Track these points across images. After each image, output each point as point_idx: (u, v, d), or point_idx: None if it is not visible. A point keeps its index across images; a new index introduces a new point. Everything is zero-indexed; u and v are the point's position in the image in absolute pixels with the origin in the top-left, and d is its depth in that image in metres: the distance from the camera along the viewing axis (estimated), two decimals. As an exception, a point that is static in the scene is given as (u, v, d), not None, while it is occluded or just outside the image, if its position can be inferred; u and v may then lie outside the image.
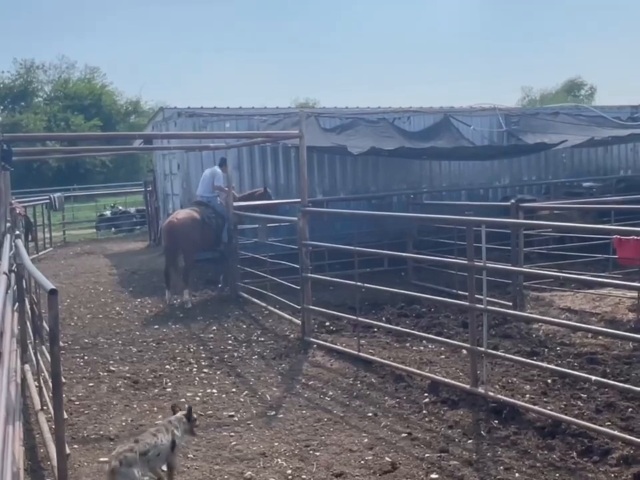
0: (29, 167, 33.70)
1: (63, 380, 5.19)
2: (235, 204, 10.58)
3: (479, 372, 5.73)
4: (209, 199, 10.87)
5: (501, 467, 4.54)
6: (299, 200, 8.05)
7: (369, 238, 11.10)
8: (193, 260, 10.59)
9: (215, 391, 6.31)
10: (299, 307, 7.92)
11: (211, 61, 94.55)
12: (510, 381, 6.07)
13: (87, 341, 8.29)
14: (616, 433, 4.79)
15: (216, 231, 10.57)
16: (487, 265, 5.67)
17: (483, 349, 5.73)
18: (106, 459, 4.88)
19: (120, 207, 22.92)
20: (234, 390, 6.25)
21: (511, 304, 8.52)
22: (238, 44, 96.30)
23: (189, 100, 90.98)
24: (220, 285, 10.81)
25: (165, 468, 4.35)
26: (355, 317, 7.35)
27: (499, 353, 6.36)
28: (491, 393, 5.58)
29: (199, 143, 11.65)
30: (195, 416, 4.64)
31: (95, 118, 44.45)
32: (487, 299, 5.78)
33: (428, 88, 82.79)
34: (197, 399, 6.10)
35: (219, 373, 6.85)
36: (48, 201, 19.07)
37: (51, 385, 4.30)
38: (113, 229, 21.62)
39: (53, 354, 3.83)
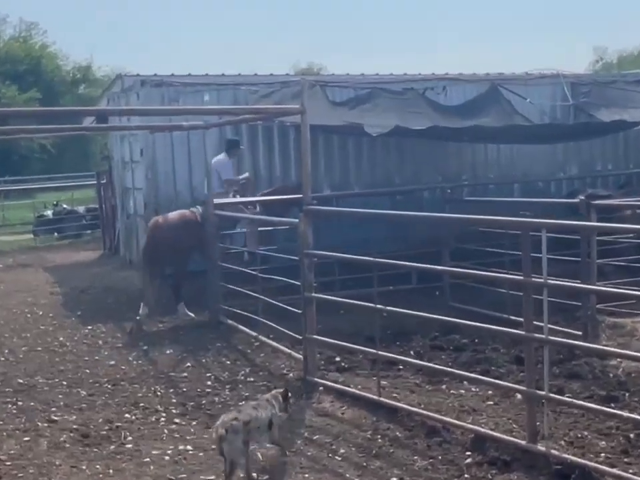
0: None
1: (-10, 433, 5.20)
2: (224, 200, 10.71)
3: (538, 423, 5.72)
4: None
5: None
6: (300, 196, 8.06)
7: (391, 246, 11.11)
8: (185, 270, 11.08)
9: (189, 447, 6.30)
10: (300, 337, 7.93)
11: (184, 17, 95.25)
12: (579, 435, 6.05)
13: (21, 381, 8.31)
14: None
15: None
16: (549, 281, 5.66)
17: (543, 392, 5.73)
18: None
19: (65, 206, 23.05)
20: (214, 447, 6.23)
21: (580, 333, 8.53)
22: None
23: (155, 66, 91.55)
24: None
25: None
26: (373, 351, 7.35)
27: (564, 398, 6.37)
28: (555, 452, 5.57)
29: (168, 121, 11.67)
30: (290, 394, 6.15)
31: (33, 88, 44.73)
32: (549, 326, 5.77)
33: (470, 49, 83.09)
34: (166, 457, 6.10)
35: (194, 424, 6.85)
36: (-29, 197, 19.22)
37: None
38: (55, 233, 21.75)
39: (-24, 399, 3.84)
